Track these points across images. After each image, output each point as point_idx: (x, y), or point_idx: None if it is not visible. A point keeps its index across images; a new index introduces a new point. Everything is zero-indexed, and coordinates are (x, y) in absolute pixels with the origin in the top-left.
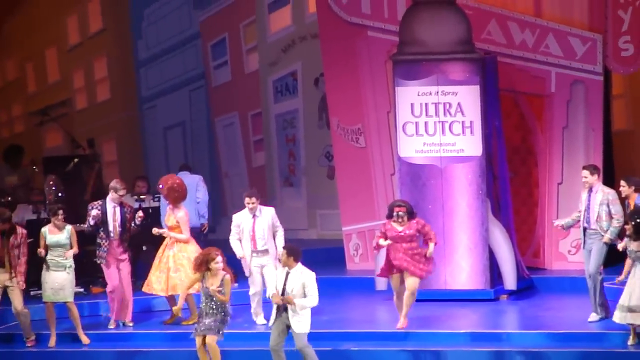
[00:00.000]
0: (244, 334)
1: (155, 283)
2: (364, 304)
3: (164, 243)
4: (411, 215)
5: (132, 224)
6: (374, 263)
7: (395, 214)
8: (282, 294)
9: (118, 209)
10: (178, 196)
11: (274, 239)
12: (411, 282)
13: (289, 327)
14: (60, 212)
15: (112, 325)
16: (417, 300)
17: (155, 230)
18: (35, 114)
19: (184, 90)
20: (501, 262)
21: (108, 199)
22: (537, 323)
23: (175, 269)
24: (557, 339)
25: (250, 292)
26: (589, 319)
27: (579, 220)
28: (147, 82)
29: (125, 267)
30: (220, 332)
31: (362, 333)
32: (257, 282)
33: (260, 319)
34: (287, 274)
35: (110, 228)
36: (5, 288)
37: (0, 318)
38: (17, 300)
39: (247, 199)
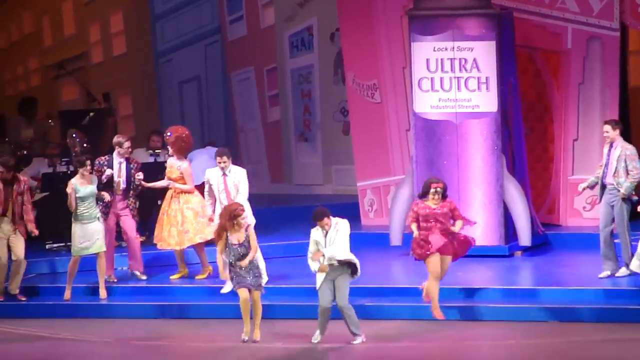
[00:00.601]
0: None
1: (170, 238)
2: (379, 260)
3: (168, 196)
4: (445, 194)
5: (135, 181)
6: (389, 219)
7: (433, 190)
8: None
9: (124, 164)
10: (184, 146)
11: None
12: (446, 260)
13: (333, 287)
14: (88, 162)
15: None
16: None
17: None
18: (51, 67)
19: (199, 45)
20: (516, 218)
21: (114, 154)
22: (552, 279)
23: (182, 222)
24: (573, 295)
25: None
26: (600, 275)
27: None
28: (162, 36)
29: (127, 220)
30: (262, 286)
31: (377, 288)
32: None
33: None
34: (326, 233)
35: (115, 184)
36: (8, 239)
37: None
38: (19, 249)
39: (217, 158)
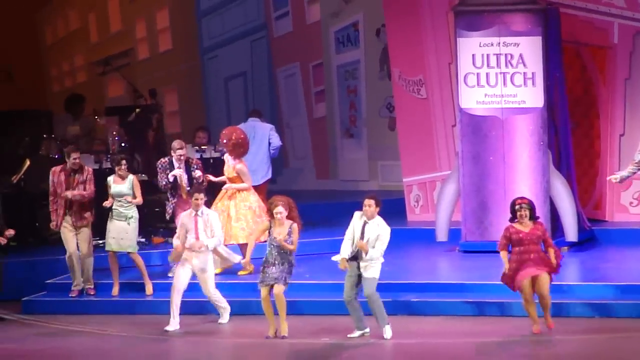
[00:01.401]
0: (307, 284)
1: (231, 234)
2: (425, 255)
3: (222, 194)
4: (533, 214)
5: (198, 179)
6: (435, 214)
7: (517, 206)
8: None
9: (183, 165)
10: (242, 151)
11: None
12: (543, 282)
13: (360, 277)
14: (124, 162)
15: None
16: (477, 252)
17: (209, 177)
18: (98, 64)
19: (245, 41)
20: (562, 214)
21: (174, 158)
22: (599, 275)
23: (236, 218)
24: (618, 291)
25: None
26: None
27: (634, 172)
28: (208, 32)
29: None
30: (286, 282)
31: (423, 284)
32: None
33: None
34: (365, 224)
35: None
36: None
37: (58, 267)
38: (82, 242)
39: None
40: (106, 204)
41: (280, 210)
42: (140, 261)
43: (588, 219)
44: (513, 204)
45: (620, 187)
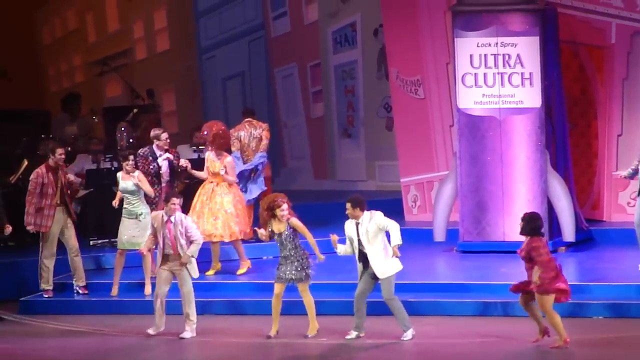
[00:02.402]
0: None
1: (212, 230)
2: (423, 256)
3: (206, 190)
4: (529, 228)
5: (182, 167)
6: (432, 214)
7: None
8: (359, 244)
9: (165, 156)
10: (223, 142)
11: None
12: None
13: (375, 278)
14: (131, 157)
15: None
16: (475, 252)
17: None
18: (95, 64)
19: (243, 41)
20: (560, 214)
21: (154, 147)
22: (596, 275)
23: (235, 214)
24: (616, 291)
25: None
26: None
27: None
28: (206, 33)
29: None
30: (309, 277)
31: (421, 284)
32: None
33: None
34: (357, 224)
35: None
36: (61, 231)
37: (56, 267)
38: (73, 239)
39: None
40: (114, 203)
41: (285, 208)
42: (149, 259)
43: (586, 219)
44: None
45: (618, 187)
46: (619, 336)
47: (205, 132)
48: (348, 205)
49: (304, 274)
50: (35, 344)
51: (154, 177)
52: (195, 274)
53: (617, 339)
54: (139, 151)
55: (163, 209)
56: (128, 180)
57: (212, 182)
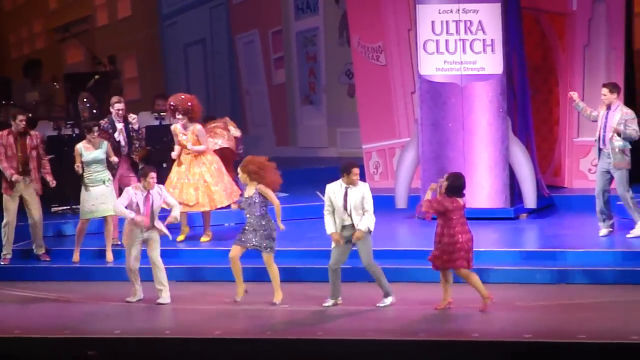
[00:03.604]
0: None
1: (192, 200)
2: (384, 222)
3: (188, 162)
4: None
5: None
6: (394, 181)
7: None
8: (345, 208)
9: (122, 125)
10: (194, 116)
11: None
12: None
13: (350, 245)
14: (96, 128)
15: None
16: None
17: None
18: (56, 30)
19: (204, 7)
20: (521, 181)
21: (114, 116)
22: (557, 241)
23: (215, 182)
24: (576, 257)
25: None
26: (600, 233)
27: (590, 113)
28: None
29: (132, 182)
30: (273, 249)
31: (382, 251)
32: None
33: None
34: (347, 189)
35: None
36: (21, 197)
37: (21, 233)
38: (36, 208)
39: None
40: (77, 168)
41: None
42: (111, 227)
43: (547, 186)
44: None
45: (579, 154)
46: (576, 303)
47: (173, 104)
48: (356, 170)
49: (265, 244)
50: None
51: (115, 149)
52: (168, 234)
53: (574, 306)
54: (100, 123)
55: (134, 182)
56: (95, 150)
57: (187, 153)
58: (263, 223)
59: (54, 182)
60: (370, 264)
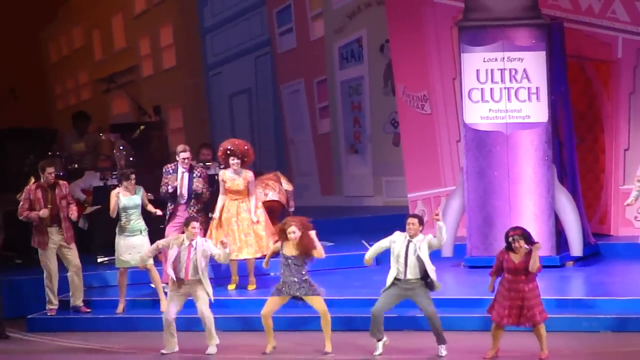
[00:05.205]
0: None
1: (247, 247)
2: None
3: (232, 206)
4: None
5: (197, 190)
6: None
7: (510, 238)
8: (405, 262)
9: (187, 174)
10: (247, 160)
11: None
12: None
13: (401, 298)
14: (133, 175)
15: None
16: (482, 267)
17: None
18: (102, 81)
19: (249, 57)
20: (567, 229)
21: (178, 164)
22: (604, 289)
23: (263, 227)
24: (623, 305)
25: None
26: None
27: None
28: (212, 49)
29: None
30: (318, 291)
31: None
32: None
33: None
34: (409, 242)
35: (177, 192)
36: (59, 249)
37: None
38: (74, 257)
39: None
40: (112, 212)
41: (294, 231)
42: (156, 274)
43: (593, 234)
44: (507, 236)
45: (625, 202)
46: (624, 351)
47: (231, 147)
48: (414, 220)
49: (312, 288)
50: None
51: (170, 196)
52: (211, 293)
53: (622, 354)
54: (164, 168)
55: (178, 230)
56: (133, 195)
57: (235, 199)
58: (302, 272)
59: (76, 214)
60: (432, 312)
